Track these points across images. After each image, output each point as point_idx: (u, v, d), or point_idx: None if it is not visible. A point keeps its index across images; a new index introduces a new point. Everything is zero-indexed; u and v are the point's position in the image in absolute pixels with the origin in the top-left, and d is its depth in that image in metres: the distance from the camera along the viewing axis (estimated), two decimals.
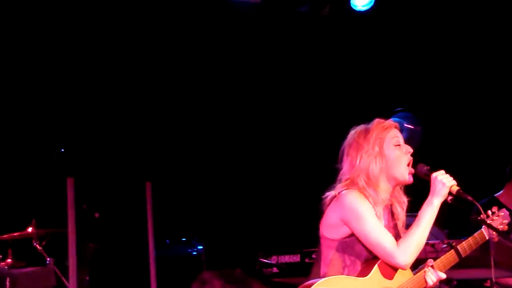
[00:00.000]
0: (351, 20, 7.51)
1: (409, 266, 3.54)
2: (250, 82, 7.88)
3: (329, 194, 3.68)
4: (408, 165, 3.69)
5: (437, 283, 3.65)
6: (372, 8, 7.19)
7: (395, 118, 6.97)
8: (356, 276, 3.54)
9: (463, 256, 3.68)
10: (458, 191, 3.64)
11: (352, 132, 3.77)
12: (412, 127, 6.96)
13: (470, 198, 3.64)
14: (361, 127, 3.77)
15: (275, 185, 7.90)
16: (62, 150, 6.87)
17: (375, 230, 3.54)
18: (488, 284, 4.81)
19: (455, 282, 5.43)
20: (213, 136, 7.88)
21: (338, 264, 3.61)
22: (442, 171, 3.65)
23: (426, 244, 4.98)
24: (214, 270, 5.80)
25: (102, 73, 7.28)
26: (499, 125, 7.57)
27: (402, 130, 7.01)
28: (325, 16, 7.29)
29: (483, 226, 3.76)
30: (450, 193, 3.62)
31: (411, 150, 3.72)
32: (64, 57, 7.08)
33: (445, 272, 3.66)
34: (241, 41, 7.67)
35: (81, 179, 6.65)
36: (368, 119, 3.82)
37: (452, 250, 3.68)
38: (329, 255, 3.64)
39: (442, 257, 3.67)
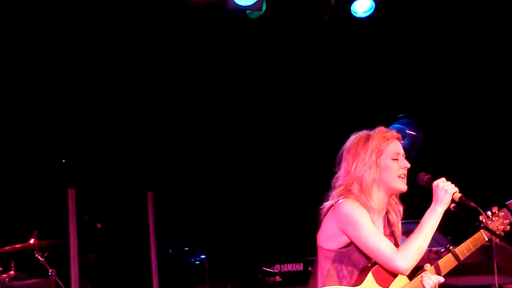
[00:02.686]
0: (351, 27, 7.49)
1: (409, 270, 3.49)
2: (253, 91, 7.91)
3: (326, 204, 3.66)
4: (399, 177, 3.66)
5: (435, 287, 3.60)
6: (372, 14, 7.20)
7: (397, 125, 7.02)
8: (352, 286, 3.52)
9: (461, 258, 3.64)
10: (461, 198, 3.63)
11: (353, 137, 3.73)
12: (414, 133, 6.99)
13: (473, 204, 3.62)
14: (362, 133, 3.72)
15: (277, 194, 7.91)
16: (63, 161, 6.90)
17: (373, 235, 3.51)
18: None
19: None
20: (214, 144, 7.91)
21: (335, 275, 3.58)
22: (443, 179, 3.64)
23: (430, 251, 5.01)
24: (211, 282, 5.82)
25: (102, 84, 7.32)
26: (507, 131, 7.61)
27: (404, 136, 7.12)
28: (325, 23, 7.29)
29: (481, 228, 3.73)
30: (453, 200, 3.61)
31: (408, 166, 3.69)
32: (65, 68, 7.13)
33: (443, 276, 3.61)
34: (244, 49, 7.72)
35: (82, 190, 6.66)
36: (369, 126, 3.78)
37: (450, 253, 3.64)
38: (326, 266, 3.61)
39: (440, 260, 3.64)
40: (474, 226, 3.71)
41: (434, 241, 5.34)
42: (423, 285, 3.57)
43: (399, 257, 3.47)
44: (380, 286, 3.52)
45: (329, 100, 8.08)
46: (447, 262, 3.65)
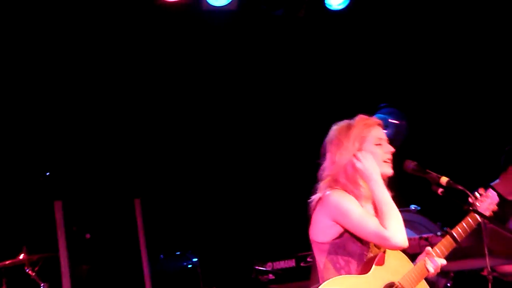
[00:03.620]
0: (327, 20, 7.52)
1: (406, 243, 3.50)
2: (235, 90, 7.89)
3: (314, 197, 3.67)
4: (384, 161, 3.68)
5: (439, 270, 3.63)
6: (347, 6, 7.21)
7: (380, 114, 7.02)
8: (358, 274, 3.53)
9: (459, 240, 3.67)
10: (448, 182, 3.66)
11: (334, 128, 3.76)
12: (397, 122, 6.87)
13: (460, 187, 3.67)
14: (343, 123, 3.75)
15: (263, 190, 7.88)
16: (48, 173, 6.85)
17: (364, 219, 3.52)
18: (485, 273, 4.85)
19: (452, 274, 5.44)
20: (199, 141, 7.86)
21: (332, 267, 3.58)
22: (360, 155, 3.62)
23: (420, 238, 5.08)
24: (205, 285, 5.78)
25: (84, 93, 7.27)
26: (490, 114, 7.59)
27: (387, 126, 7.12)
28: (301, 18, 7.29)
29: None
30: (440, 185, 3.66)
31: (392, 150, 3.72)
32: (45, 79, 7.05)
33: (444, 259, 3.66)
34: (221, 50, 7.69)
35: (69, 201, 6.63)
36: (351, 117, 3.80)
37: (448, 235, 3.66)
38: (322, 259, 3.62)
39: (439, 243, 3.66)
40: (464, 209, 3.73)
41: (423, 228, 5.41)
42: (427, 269, 3.59)
43: (390, 233, 3.46)
44: (387, 272, 3.53)
45: (311, 94, 8.07)
46: (446, 244, 3.66)
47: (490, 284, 3.88)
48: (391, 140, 3.78)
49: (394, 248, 3.53)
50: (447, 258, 3.68)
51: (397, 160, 3.78)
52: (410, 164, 3.75)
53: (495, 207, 3.84)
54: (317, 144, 3.85)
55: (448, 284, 5.44)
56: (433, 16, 7.68)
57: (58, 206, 6.51)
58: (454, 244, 3.67)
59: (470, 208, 3.70)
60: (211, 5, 6.81)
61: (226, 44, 7.67)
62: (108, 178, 7.29)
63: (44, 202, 6.72)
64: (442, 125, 7.79)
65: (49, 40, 6.87)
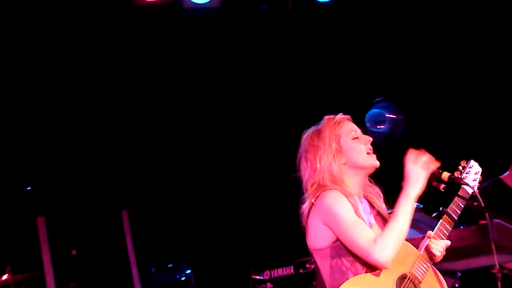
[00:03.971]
0: (315, 13, 7.52)
1: (389, 263, 3.48)
2: (224, 95, 7.91)
3: (305, 206, 3.68)
4: (367, 153, 3.70)
5: (444, 252, 3.64)
6: None
7: (375, 109, 7.02)
8: (367, 273, 3.53)
9: (456, 217, 3.67)
10: (450, 177, 3.65)
11: (305, 137, 3.79)
12: (394, 116, 7.05)
13: (463, 182, 3.69)
14: (311, 130, 3.79)
15: (257, 197, 7.87)
16: (28, 188, 6.81)
17: (352, 228, 3.52)
18: (495, 270, 4.85)
19: (459, 274, 5.44)
20: (188, 148, 7.86)
21: (338, 270, 3.58)
22: (413, 157, 3.62)
23: (424, 237, 5.07)
24: None
25: (65, 102, 7.25)
26: (496, 104, 7.58)
27: (384, 121, 7.11)
28: (288, 12, 7.26)
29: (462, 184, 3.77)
30: (442, 181, 3.64)
31: (370, 139, 3.74)
32: (23, 89, 7.05)
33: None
34: (205, 49, 7.67)
35: (53, 216, 6.61)
36: (344, 112, 3.82)
37: (445, 215, 3.66)
38: (326, 265, 3.62)
39: (438, 225, 3.66)
40: (467, 205, 3.72)
41: (427, 226, 5.38)
42: (433, 253, 3.59)
43: (377, 250, 3.46)
44: (397, 266, 3.52)
45: (302, 91, 8.06)
46: (445, 224, 3.66)
47: (499, 282, 3.88)
48: (389, 136, 3.78)
49: (372, 263, 3.50)
50: (452, 257, 3.75)
51: (395, 156, 3.78)
52: (437, 173, 3.70)
53: (480, 178, 3.84)
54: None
55: (456, 285, 5.44)
56: (426, 4, 7.68)
57: (41, 222, 6.49)
58: (453, 222, 3.68)
59: (453, 177, 3.70)
60: (193, 2, 6.80)
61: (210, 43, 7.66)
62: (92, 190, 7.27)
63: (27, 219, 6.68)
64: (443, 117, 7.79)
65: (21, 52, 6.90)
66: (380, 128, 6.87)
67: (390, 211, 3.68)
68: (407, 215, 3.55)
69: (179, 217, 7.74)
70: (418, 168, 3.59)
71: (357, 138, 3.73)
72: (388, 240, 3.48)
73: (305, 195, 3.70)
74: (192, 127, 7.84)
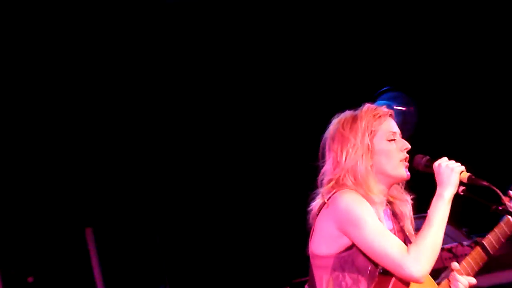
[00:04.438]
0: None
1: (425, 277, 3.41)
2: (201, 94, 7.93)
3: (315, 204, 3.56)
4: (401, 161, 3.60)
5: None
6: None
7: (382, 101, 6.88)
8: None
9: (492, 252, 3.57)
10: (470, 177, 3.50)
11: (336, 121, 3.64)
12: (404, 108, 6.96)
13: (486, 183, 3.48)
14: (346, 115, 3.63)
15: (239, 212, 7.85)
16: None
17: (379, 235, 3.42)
18: None
19: None
20: (160, 156, 7.84)
21: (338, 285, 3.48)
22: (445, 158, 3.56)
23: (442, 249, 5.07)
24: None
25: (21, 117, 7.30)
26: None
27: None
28: None
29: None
30: (461, 183, 3.51)
31: (408, 147, 3.62)
32: None
33: (474, 277, 3.57)
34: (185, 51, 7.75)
35: (2, 240, 6.59)
36: (347, 107, 3.68)
37: (477, 247, 3.56)
38: (324, 277, 3.51)
39: (467, 257, 3.59)
40: (491, 211, 3.56)
41: (446, 237, 5.28)
42: None
43: (411, 262, 3.38)
44: None
45: (301, 83, 8.02)
46: (476, 258, 3.59)
47: None
48: None
49: (406, 278, 3.42)
50: (477, 272, 3.60)
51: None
52: (422, 160, 3.63)
53: None
54: (311, 145, 3.76)
55: None
56: None
57: None
58: (485, 257, 3.58)
59: (501, 209, 3.55)
60: None
61: (190, 40, 7.73)
62: (51, 205, 7.23)
63: None
64: (458, 111, 7.75)
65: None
66: None
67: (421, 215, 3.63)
68: (442, 219, 3.47)
69: (154, 235, 7.68)
70: (451, 164, 3.52)
71: (393, 140, 3.60)
72: (423, 250, 3.39)
73: (318, 191, 3.59)
74: (164, 138, 7.85)
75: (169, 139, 7.87)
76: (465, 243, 5.33)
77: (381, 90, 7.02)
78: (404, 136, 3.80)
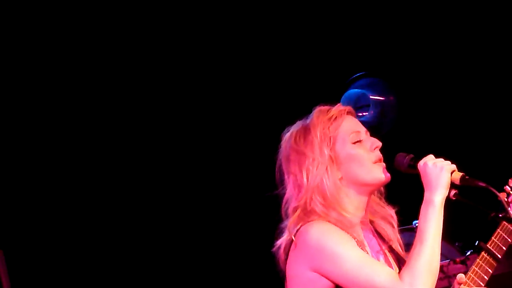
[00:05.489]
0: None
1: None
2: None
3: (281, 242, 3.62)
4: (374, 163, 3.66)
5: None
6: None
7: (355, 90, 6.99)
8: None
9: (500, 257, 3.64)
10: (463, 178, 3.56)
11: (287, 137, 3.71)
12: (381, 98, 7.13)
13: (483, 184, 3.54)
14: (297, 126, 3.71)
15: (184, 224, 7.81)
16: None
17: (361, 267, 3.47)
18: None
19: None
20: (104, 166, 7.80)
21: None
22: (431, 156, 3.63)
23: None
24: None
25: None
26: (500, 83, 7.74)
27: (367, 105, 7.11)
28: None
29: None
30: (452, 184, 3.58)
31: (379, 144, 3.69)
32: None
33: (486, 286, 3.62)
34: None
35: None
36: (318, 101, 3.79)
37: (483, 252, 3.62)
38: None
39: (473, 267, 3.64)
40: (490, 218, 3.67)
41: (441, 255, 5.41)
42: None
43: (406, 286, 3.43)
44: None
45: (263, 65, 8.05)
46: (484, 266, 3.64)
47: None
48: (375, 126, 4.10)
49: None
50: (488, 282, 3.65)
51: (384, 154, 3.74)
52: (404, 159, 3.70)
53: None
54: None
55: None
56: None
57: None
58: (495, 263, 3.64)
59: (501, 216, 3.66)
60: None
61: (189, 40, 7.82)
62: None
63: None
64: (446, 102, 7.84)
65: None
66: (362, 116, 6.94)
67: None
68: (437, 230, 3.51)
69: (79, 258, 7.64)
70: (439, 162, 3.57)
71: (359, 141, 3.66)
72: (417, 273, 3.43)
73: (284, 224, 3.63)
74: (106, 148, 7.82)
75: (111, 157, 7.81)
76: (458, 260, 5.46)
77: (354, 76, 7.22)
78: (383, 132, 3.90)
